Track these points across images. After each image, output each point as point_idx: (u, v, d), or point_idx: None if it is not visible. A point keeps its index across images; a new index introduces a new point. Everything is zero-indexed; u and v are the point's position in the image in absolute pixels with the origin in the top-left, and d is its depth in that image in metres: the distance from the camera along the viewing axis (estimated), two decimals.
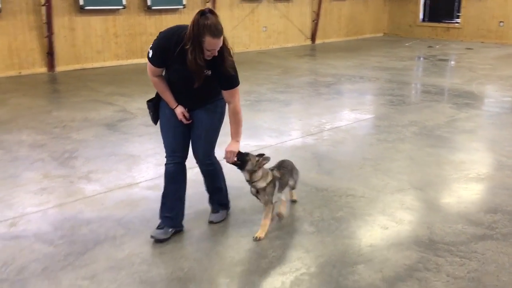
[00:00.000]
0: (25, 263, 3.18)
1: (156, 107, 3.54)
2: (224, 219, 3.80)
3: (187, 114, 3.44)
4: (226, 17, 13.21)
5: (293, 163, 3.92)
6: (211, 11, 3.10)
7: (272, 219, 3.58)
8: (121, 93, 8.24)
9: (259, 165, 3.45)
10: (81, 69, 10.59)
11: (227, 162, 3.44)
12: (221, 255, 3.33)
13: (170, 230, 3.51)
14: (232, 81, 3.32)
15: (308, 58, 13.21)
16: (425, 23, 17.27)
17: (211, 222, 3.75)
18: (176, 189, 3.53)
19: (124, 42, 11.41)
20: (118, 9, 11.07)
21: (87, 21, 10.75)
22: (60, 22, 10.29)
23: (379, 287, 2.94)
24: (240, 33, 13.77)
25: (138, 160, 5.14)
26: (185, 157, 3.55)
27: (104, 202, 4.15)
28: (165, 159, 3.53)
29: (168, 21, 12.08)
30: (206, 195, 3.84)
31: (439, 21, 16.93)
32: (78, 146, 5.59)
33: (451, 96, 8.37)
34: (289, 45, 15.16)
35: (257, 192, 3.50)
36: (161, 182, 4.35)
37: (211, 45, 3.07)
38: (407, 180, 4.60)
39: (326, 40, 16.30)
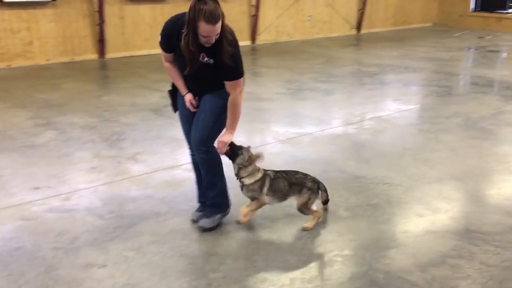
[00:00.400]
0: (77, 234, 3.44)
1: (174, 96, 3.50)
2: (217, 226, 3.47)
3: (194, 102, 3.35)
4: (271, 6, 13.26)
5: (312, 184, 3.45)
6: None
7: (254, 210, 3.47)
8: (167, 80, 8.41)
9: (250, 161, 3.36)
10: (129, 56, 10.95)
11: (219, 152, 3.34)
12: (257, 235, 3.47)
13: (213, 218, 3.54)
14: (230, 73, 3.17)
15: (353, 48, 13.09)
16: (476, 13, 16.68)
17: (202, 229, 3.44)
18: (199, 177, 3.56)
19: None
20: None
21: (136, 9, 11.09)
22: (111, 11, 10.66)
23: (411, 271, 3.00)
24: (284, 22, 13.79)
25: (181, 144, 5.31)
26: None
27: (149, 181, 4.38)
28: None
29: None
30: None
31: (491, 11, 16.32)
32: (126, 129, 5.86)
33: (499, 88, 8.14)
34: (334, 34, 15.05)
35: (242, 188, 3.42)
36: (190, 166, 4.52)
37: (205, 31, 2.94)
38: (446, 171, 4.58)
39: (372, 30, 16.05)
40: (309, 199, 3.42)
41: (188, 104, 3.36)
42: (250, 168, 3.37)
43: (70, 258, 3.14)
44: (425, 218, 3.69)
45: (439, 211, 3.79)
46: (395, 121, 6.27)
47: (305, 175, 3.50)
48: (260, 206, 3.49)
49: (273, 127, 5.98)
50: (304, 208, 3.44)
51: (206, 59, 3.15)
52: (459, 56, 11.58)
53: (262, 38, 13.36)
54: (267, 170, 3.47)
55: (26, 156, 4.93)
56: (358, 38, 14.83)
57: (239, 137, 5.51)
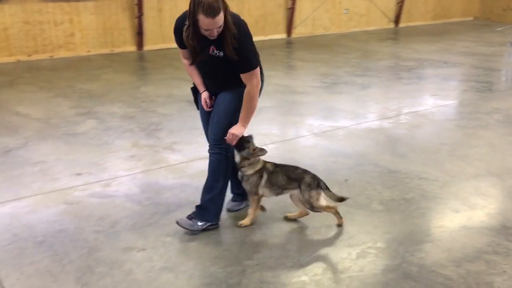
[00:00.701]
0: (117, 218, 3.57)
1: (196, 93, 3.50)
2: (194, 231, 3.33)
3: (209, 102, 3.36)
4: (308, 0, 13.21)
5: (311, 180, 3.37)
6: None
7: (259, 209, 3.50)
8: None
9: (254, 155, 3.37)
10: (166, 49, 11.12)
11: (229, 142, 3.29)
12: (291, 226, 3.52)
13: (243, 203, 3.72)
14: (242, 65, 3.10)
15: (390, 41, 12.90)
16: None
17: (177, 224, 3.32)
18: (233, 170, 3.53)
19: None
20: None
21: (173, 2, 11.24)
22: (150, 4, 10.86)
23: (445, 266, 2.99)
24: (321, 15, 13.70)
25: None
26: None
27: (185, 170, 4.49)
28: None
29: (250, 4, 12.33)
30: None
31: None
32: (163, 119, 6.00)
33: None
34: (371, 28, 14.84)
35: (242, 178, 3.44)
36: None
37: (205, 24, 2.89)
38: (484, 167, 4.50)
39: (411, 24, 15.75)
40: (310, 196, 3.33)
41: (203, 102, 3.38)
42: (251, 159, 3.38)
43: (111, 241, 3.27)
44: (461, 213, 3.64)
45: (475, 207, 3.74)
46: (432, 116, 6.18)
47: (305, 171, 3.43)
48: (258, 203, 3.47)
49: (308, 120, 6.00)
50: (312, 206, 3.35)
51: (215, 51, 3.10)
52: (501, 51, 11.24)
53: (298, 31, 13.31)
54: (267, 163, 3.46)
55: (69, 144, 5.12)
56: (396, 32, 14.58)
57: (273, 130, 5.60)
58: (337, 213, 3.45)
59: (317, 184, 3.36)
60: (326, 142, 5.21)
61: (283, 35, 13.08)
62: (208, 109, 3.37)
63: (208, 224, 3.36)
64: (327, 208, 3.41)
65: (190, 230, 3.33)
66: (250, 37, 3.13)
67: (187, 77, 3.34)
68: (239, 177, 3.46)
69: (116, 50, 10.68)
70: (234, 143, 3.27)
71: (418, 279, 2.86)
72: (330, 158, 4.74)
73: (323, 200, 3.38)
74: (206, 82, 3.36)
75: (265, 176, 3.40)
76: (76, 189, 4.05)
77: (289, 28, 13.08)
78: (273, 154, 4.81)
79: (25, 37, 9.62)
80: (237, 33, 3.00)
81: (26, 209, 3.70)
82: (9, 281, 2.84)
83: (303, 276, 2.91)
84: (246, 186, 3.44)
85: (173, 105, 6.58)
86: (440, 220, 3.57)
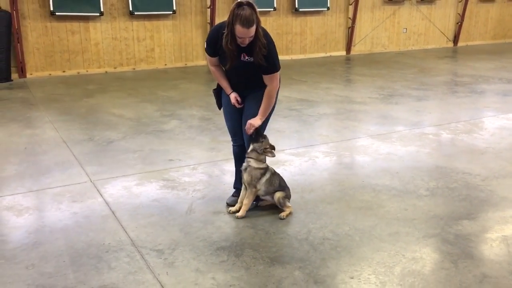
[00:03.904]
0: (206, 192, 4.41)
1: (218, 95, 4.01)
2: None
3: (239, 99, 3.83)
4: (367, 19, 13.88)
5: (288, 191, 3.98)
6: (249, 4, 3.42)
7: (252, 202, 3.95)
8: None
9: (264, 152, 3.84)
10: None
11: (246, 131, 3.80)
12: (352, 204, 4.22)
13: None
14: (265, 68, 3.64)
15: (448, 59, 13.28)
16: None
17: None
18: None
19: None
20: (269, 11, 12.43)
21: None
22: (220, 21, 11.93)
23: (477, 236, 3.58)
24: (380, 34, 14.32)
25: (284, 134, 6.23)
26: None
27: None
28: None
29: (312, 22, 13.17)
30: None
31: None
32: None
33: None
34: (429, 46, 15.27)
35: (245, 170, 3.84)
36: (302, 151, 5.41)
37: (240, 33, 3.41)
38: None
39: (470, 43, 16.02)
40: (285, 196, 3.93)
41: (233, 101, 3.84)
42: (261, 156, 3.85)
43: (203, 207, 4.11)
44: (497, 201, 4.19)
45: (507, 199, 4.28)
46: (481, 125, 6.67)
47: (286, 185, 4.01)
48: (254, 197, 3.90)
49: (365, 125, 6.66)
50: (282, 202, 3.89)
51: (246, 58, 3.63)
52: None
53: (357, 49, 14.00)
54: (270, 167, 3.95)
55: (159, 138, 6.08)
56: (455, 51, 14.91)
57: (333, 132, 6.31)
58: (287, 211, 3.93)
59: (289, 196, 3.99)
60: (380, 142, 5.86)
61: (343, 52, 13.80)
62: (239, 106, 3.86)
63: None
64: (288, 207, 3.94)
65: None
66: (275, 45, 3.73)
67: None
68: (243, 168, 3.88)
69: (189, 63, 11.81)
70: (250, 132, 3.76)
71: (454, 244, 3.47)
72: (383, 155, 5.39)
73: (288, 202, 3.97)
74: (234, 84, 3.86)
75: (267, 175, 3.88)
76: (170, 170, 4.94)
77: (348, 46, 13.79)
78: (333, 151, 5.54)
79: (113, 51, 10.93)
80: (266, 43, 3.59)
81: (133, 182, 4.63)
82: (130, 228, 3.73)
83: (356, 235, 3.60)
84: (248, 177, 3.83)
85: None
86: (480, 203, 4.13)
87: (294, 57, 13.08)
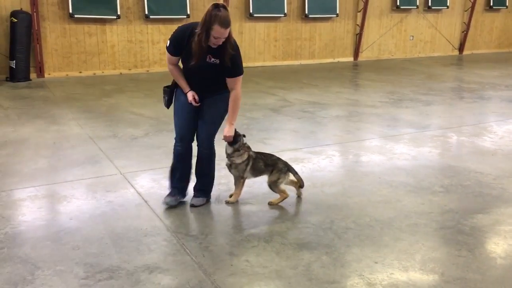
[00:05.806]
0: (232, 186, 4.64)
1: (171, 93, 4.02)
2: (203, 204, 4.15)
3: (197, 98, 3.85)
4: (374, 26, 14.16)
5: (283, 166, 4.15)
6: (224, 7, 3.55)
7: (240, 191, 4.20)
8: (280, 87, 9.76)
9: (244, 148, 4.09)
10: (247, 67, 12.38)
11: (226, 141, 4.01)
12: (365, 198, 4.44)
13: (179, 197, 4.14)
14: (231, 71, 3.75)
15: (454, 66, 13.54)
16: None
17: (192, 206, 4.11)
18: (183, 167, 4.13)
19: (281, 45, 13.04)
20: (280, 16, 12.71)
21: (253, 26, 12.57)
22: (233, 27, 12.12)
23: (492, 228, 3.80)
24: (387, 41, 14.60)
25: (299, 134, 6.47)
26: (192, 139, 4.07)
27: None
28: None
29: (321, 28, 13.46)
30: None
31: None
32: (252, 121, 7.10)
33: None
34: (435, 54, 15.54)
35: (230, 166, 4.12)
36: (319, 150, 5.64)
37: (218, 33, 3.52)
38: None
39: (475, 51, 16.29)
40: (278, 178, 4.11)
41: (190, 98, 3.85)
42: (241, 151, 4.09)
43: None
44: (509, 197, 4.42)
45: None
46: (491, 128, 6.91)
47: (279, 158, 4.22)
48: (243, 184, 4.18)
49: (376, 127, 6.90)
50: (273, 186, 4.11)
51: (212, 59, 3.71)
52: None
53: (364, 55, 14.27)
54: (250, 151, 4.15)
55: None
56: (460, 58, 15.18)
57: (345, 133, 6.55)
58: (282, 200, 4.15)
59: (287, 169, 4.16)
60: (393, 143, 6.10)
61: (350, 58, 14.07)
62: (196, 104, 3.87)
63: (207, 199, 4.21)
64: (282, 192, 4.14)
65: (201, 205, 4.13)
66: (239, 50, 3.83)
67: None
68: (227, 165, 4.14)
69: None
70: (230, 140, 3.99)
71: (469, 234, 3.70)
72: (397, 155, 5.62)
73: (283, 185, 4.17)
74: (194, 84, 3.88)
75: (250, 163, 4.11)
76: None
77: (356, 52, 14.06)
78: (348, 150, 5.78)
79: (128, 54, 11.20)
80: (234, 45, 3.73)
81: (161, 175, 4.83)
82: (164, 216, 3.96)
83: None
84: (235, 172, 4.13)
85: (258, 112, 7.69)
86: (493, 199, 4.36)
87: (303, 62, 13.34)
